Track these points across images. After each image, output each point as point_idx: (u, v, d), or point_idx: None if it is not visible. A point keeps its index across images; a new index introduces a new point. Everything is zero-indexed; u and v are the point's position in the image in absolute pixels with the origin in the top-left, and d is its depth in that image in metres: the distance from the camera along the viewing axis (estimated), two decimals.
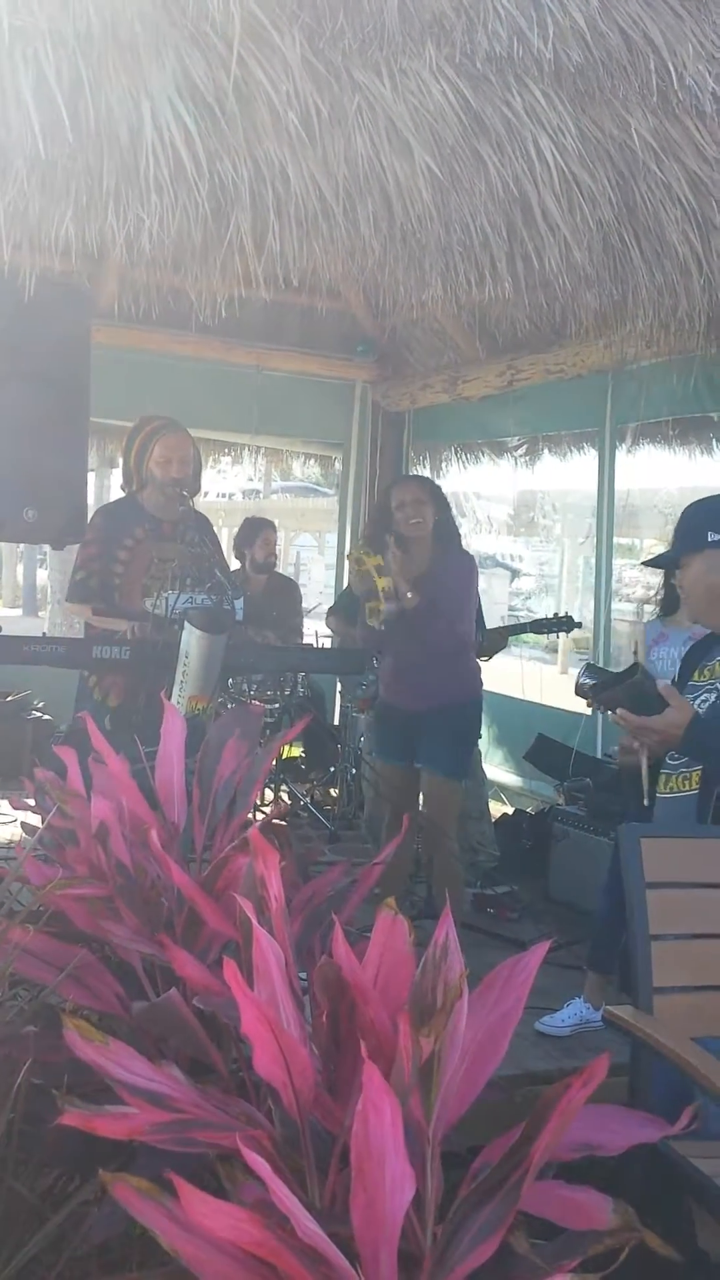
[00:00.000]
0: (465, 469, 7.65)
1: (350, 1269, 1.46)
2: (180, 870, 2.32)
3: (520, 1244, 1.49)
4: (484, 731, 6.74)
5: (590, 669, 4.27)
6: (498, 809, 6.32)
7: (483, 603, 5.51)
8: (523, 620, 6.83)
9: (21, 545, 16.45)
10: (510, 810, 6.30)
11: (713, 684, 2.87)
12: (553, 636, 6.40)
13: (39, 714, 6.73)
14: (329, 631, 6.45)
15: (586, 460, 6.66)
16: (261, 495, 19.91)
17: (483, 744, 6.01)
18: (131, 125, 2.90)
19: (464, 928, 4.42)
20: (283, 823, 5.50)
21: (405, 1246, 1.55)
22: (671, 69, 3.48)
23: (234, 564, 6.80)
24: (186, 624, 3.94)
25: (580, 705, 6.49)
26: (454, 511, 4.50)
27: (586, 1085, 1.60)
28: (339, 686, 7.15)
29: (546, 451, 7.11)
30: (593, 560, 6.99)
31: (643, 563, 3.65)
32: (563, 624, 5.45)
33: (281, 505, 19.42)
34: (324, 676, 6.85)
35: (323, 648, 6.32)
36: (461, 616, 4.14)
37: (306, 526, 19.30)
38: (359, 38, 3.14)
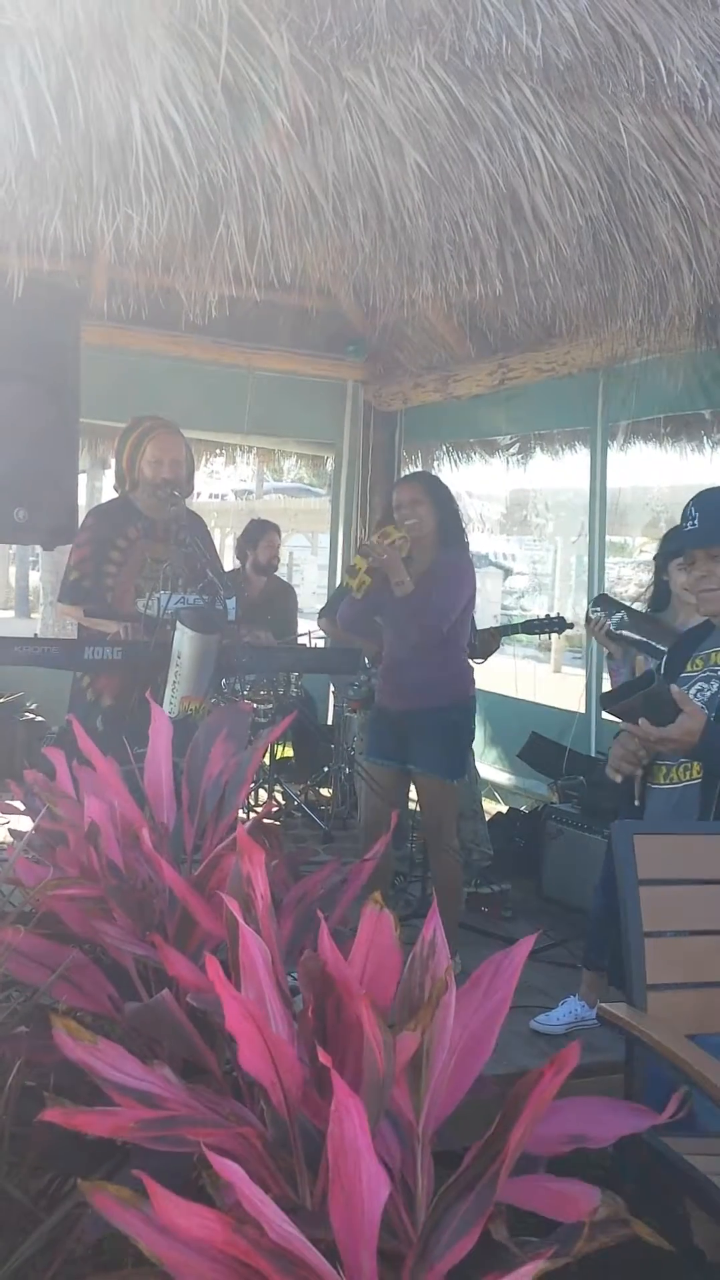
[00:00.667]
0: (457, 468, 7.66)
1: (329, 1268, 1.46)
2: (172, 870, 2.32)
3: (499, 1232, 1.49)
4: (477, 730, 6.75)
5: (603, 600, 4.28)
6: (491, 807, 6.33)
7: (477, 603, 5.52)
8: (515, 620, 6.84)
9: (13, 546, 16.44)
10: (504, 809, 6.30)
11: (709, 673, 2.86)
12: (545, 635, 6.40)
13: (32, 715, 6.73)
14: (321, 632, 6.45)
15: (578, 458, 6.67)
16: (254, 496, 19.91)
17: (476, 743, 6.01)
18: (120, 124, 2.89)
19: (458, 926, 4.44)
20: (275, 822, 5.51)
21: (394, 1244, 1.54)
22: (660, 66, 3.47)
23: (233, 564, 6.82)
24: (179, 624, 3.93)
25: (574, 704, 6.54)
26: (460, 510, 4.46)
27: (559, 1073, 1.60)
28: (332, 687, 7.15)
29: (538, 450, 7.11)
30: (585, 558, 6.99)
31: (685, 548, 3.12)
32: (554, 624, 5.45)
33: (274, 506, 19.40)
34: (316, 677, 6.85)
35: (315, 648, 6.32)
36: (447, 617, 4.12)
37: (299, 527, 19.29)
38: (347, 36, 3.14)
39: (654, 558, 4.19)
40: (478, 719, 6.68)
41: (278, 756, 6.63)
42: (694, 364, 5.17)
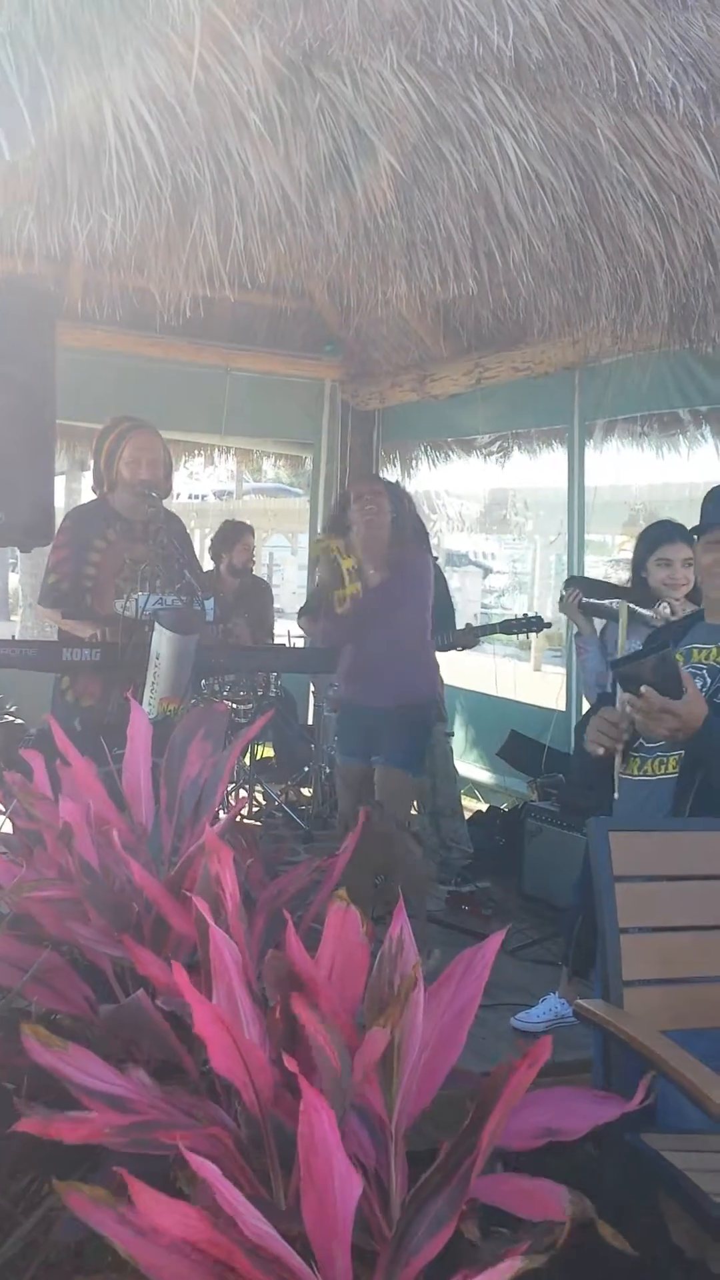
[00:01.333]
0: (435, 467, 7.67)
1: (304, 1266, 1.47)
2: (143, 871, 2.32)
3: (471, 1231, 1.50)
4: (457, 729, 6.77)
5: (573, 580, 4.32)
6: (471, 805, 6.34)
7: (456, 601, 5.54)
8: (494, 619, 6.85)
9: None
10: (483, 807, 6.32)
11: (693, 670, 2.86)
12: (525, 634, 6.43)
13: (11, 718, 6.70)
14: (300, 632, 6.45)
15: (556, 457, 6.69)
16: (233, 496, 19.89)
17: (456, 741, 6.03)
18: (93, 126, 2.88)
19: (437, 925, 4.45)
20: (253, 822, 5.50)
21: (368, 1241, 1.55)
22: (632, 66, 3.48)
23: (208, 565, 6.82)
24: (157, 625, 3.93)
25: (552, 701, 6.56)
26: (420, 512, 4.51)
27: (531, 1067, 1.61)
28: (311, 687, 7.15)
29: (516, 449, 7.12)
30: (564, 557, 7.01)
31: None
32: (532, 624, 5.47)
33: (253, 506, 19.39)
34: (296, 677, 6.85)
35: (294, 647, 6.32)
36: (416, 612, 4.16)
37: (279, 527, 19.27)
38: (320, 37, 3.13)
39: (634, 557, 4.21)
40: (457, 718, 6.70)
41: (258, 756, 6.63)
42: (668, 362, 5.20)
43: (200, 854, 2.36)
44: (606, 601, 4.04)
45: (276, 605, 7.32)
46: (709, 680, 2.79)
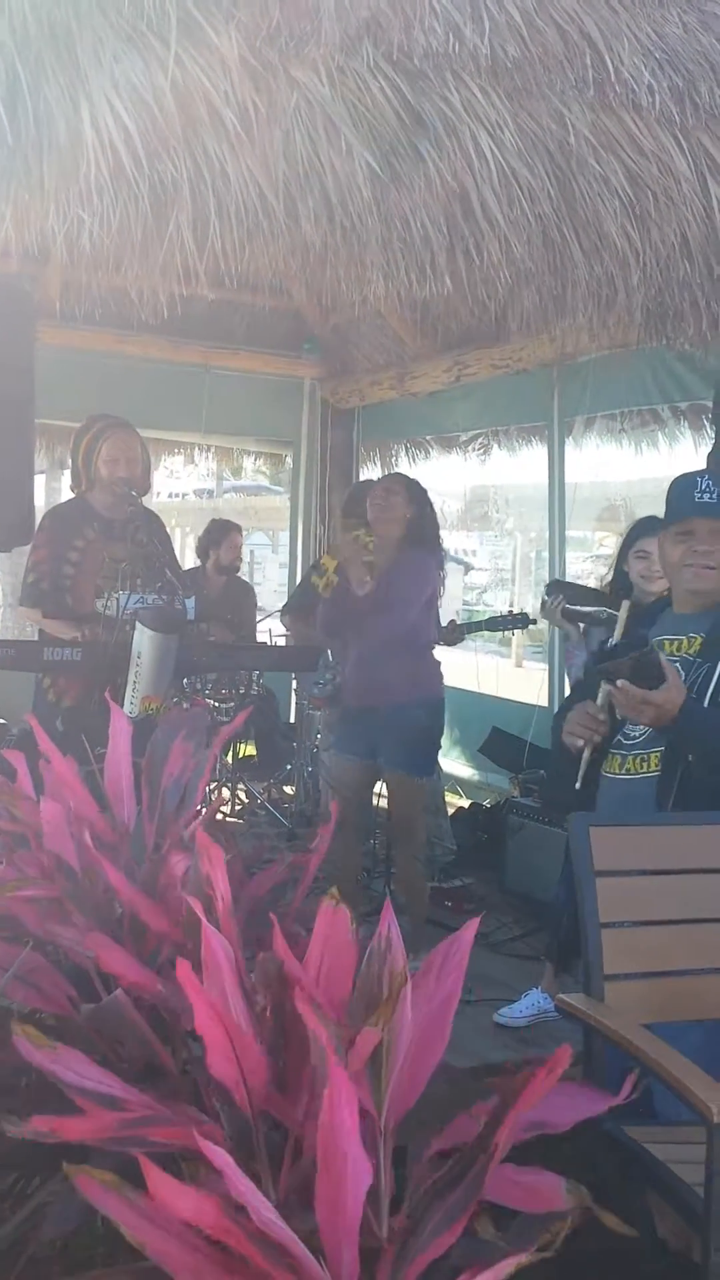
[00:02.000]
0: (415, 465, 7.68)
1: (313, 1259, 1.48)
2: (116, 872, 2.31)
3: (485, 1229, 1.51)
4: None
5: (554, 585, 4.33)
6: (454, 802, 6.36)
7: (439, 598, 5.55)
8: (476, 616, 6.87)
9: None
10: (466, 803, 6.34)
11: (671, 661, 2.87)
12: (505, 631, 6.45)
13: None
14: (283, 631, 6.46)
15: (536, 454, 6.71)
16: (213, 495, 19.85)
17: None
18: (70, 125, 2.88)
19: (425, 923, 4.46)
20: (236, 820, 5.50)
21: (361, 1239, 1.56)
22: (608, 63, 3.49)
23: (194, 563, 6.82)
24: (138, 624, 3.93)
25: (534, 697, 6.58)
26: (434, 512, 4.48)
27: (551, 1074, 1.62)
28: (294, 684, 7.16)
29: (496, 446, 7.14)
30: (545, 553, 7.04)
31: None
32: (518, 621, 5.49)
33: (233, 504, 19.34)
34: (278, 675, 6.86)
35: (275, 646, 6.33)
36: (404, 616, 4.15)
37: (259, 525, 19.23)
38: (296, 36, 3.13)
39: (617, 553, 4.23)
40: None
41: (240, 755, 6.63)
42: (646, 359, 5.22)
43: (175, 852, 2.37)
44: (588, 609, 4.06)
45: (259, 604, 7.33)
46: (683, 674, 2.80)
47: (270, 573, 16.86)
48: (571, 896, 3.29)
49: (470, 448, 7.28)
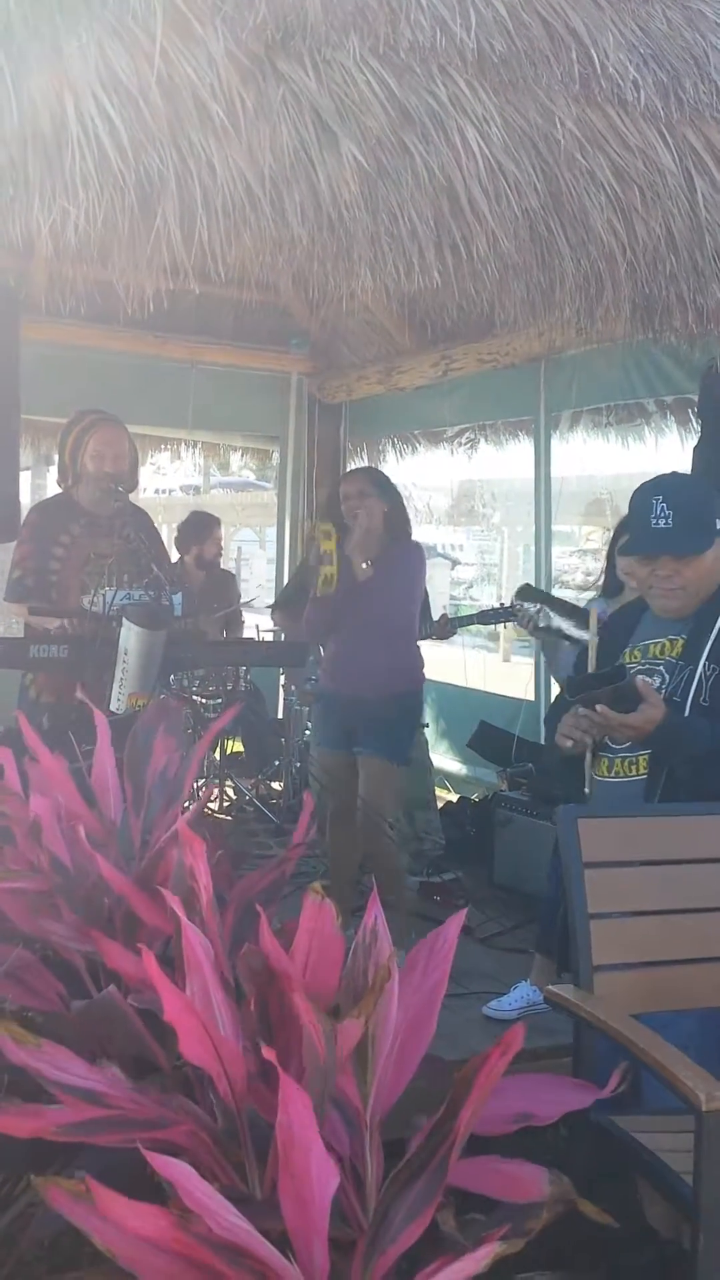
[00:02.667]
0: (403, 459, 7.69)
1: (281, 1258, 1.48)
2: (110, 866, 2.31)
3: (446, 1222, 1.51)
4: (428, 720, 6.79)
5: (525, 591, 4.33)
6: (442, 796, 6.37)
7: (429, 593, 5.56)
8: (463, 610, 6.87)
9: None
10: (454, 798, 6.34)
11: (648, 665, 2.89)
12: (495, 626, 6.46)
13: None
14: (271, 626, 6.45)
15: (523, 448, 6.72)
16: (200, 490, 19.82)
17: (428, 732, 6.05)
18: (55, 117, 2.86)
19: (409, 915, 4.46)
20: (224, 816, 5.49)
21: (346, 1231, 1.56)
22: (594, 58, 3.49)
23: (174, 557, 6.80)
24: (125, 621, 3.92)
25: (521, 692, 6.59)
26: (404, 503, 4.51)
27: (504, 1055, 1.62)
28: (281, 680, 7.15)
29: (483, 440, 7.15)
30: (532, 548, 7.05)
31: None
32: (508, 614, 5.49)
33: (221, 500, 19.33)
34: (266, 671, 6.85)
35: (264, 641, 6.32)
36: (404, 603, 4.17)
37: (246, 521, 19.22)
38: (282, 29, 3.12)
39: (608, 548, 4.23)
40: (428, 709, 6.71)
41: (228, 751, 6.63)
42: (632, 353, 5.23)
43: (169, 847, 2.36)
44: (570, 632, 4.05)
45: (246, 599, 7.32)
46: (666, 677, 2.82)
47: (258, 568, 16.85)
48: (560, 888, 3.31)
49: (457, 442, 7.28)
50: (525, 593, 4.31)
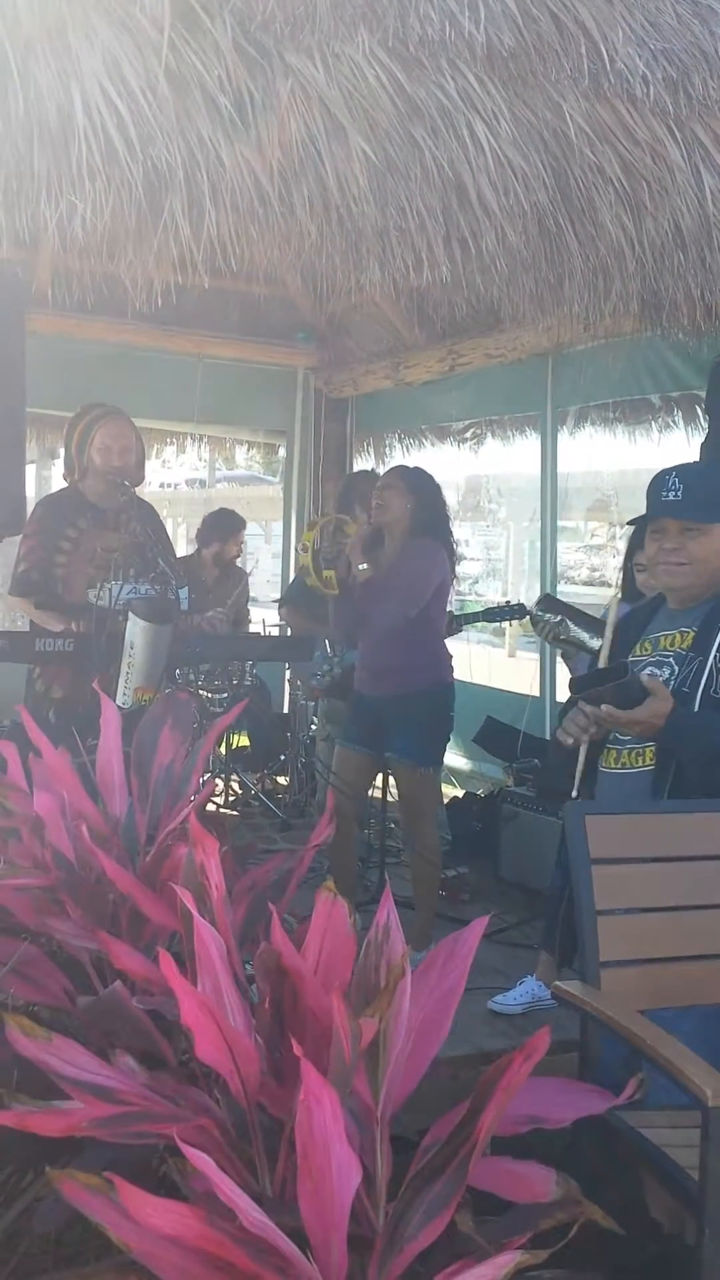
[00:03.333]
0: (409, 454, 7.66)
1: (302, 1257, 1.47)
2: (114, 864, 2.31)
3: (464, 1223, 1.51)
4: None
5: (546, 601, 4.31)
6: (448, 791, 6.36)
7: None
8: (469, 605, 6.86)
9: None
10: (460, 793, 6.34)
11: (659, 658, 2.88)
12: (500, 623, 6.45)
13: None
14: (278, 621, 6.45)
15: (529, 444, 6.70)
16: (206, 485, 19.80)
17: None
18: (62, 110, 2.85)
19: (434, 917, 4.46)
20: (231, 813, 5.49)
21: (357, 1229, 1.56)
22: (603, 53, 3.49)
23: (188, 550, 6.79)
24: (130, 615, 3.91)
25: (528, 688, 6.58)
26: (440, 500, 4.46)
27: (528, 1060, 1.62)
28: (287, 675, 7.15)
29: (490, 436, 7.14)
30: (538, 543, 7.03)
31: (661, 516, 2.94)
32: (515, 612, 5.48)
33: (226, 494, 19.30)
34: (271, 666, 6.85)
35: (269, 636, 6.32)
36: (415, 601, 4.15)
37: (252, 515, 19.15)
38: (291, 22, 3.12)
39: (624, 557, 4.21)
40: None
41: (233, 746, 6.62)
42: (639, 349, 5.22)
43: (174, 843, 2.36)
44: (577, 636, 4.03)
45: (251, 594, 7.31)
46: (676, 669, 2.81)
47: (263, 563, 16.83)
48: (567, 884, 3.31)
49: (464, 438, 7.27)
50: (546, 603, 4.28)
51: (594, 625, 4.00)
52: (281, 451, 8.11)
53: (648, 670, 2.84)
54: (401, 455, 7.65)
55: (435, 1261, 1.54)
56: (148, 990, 2.11)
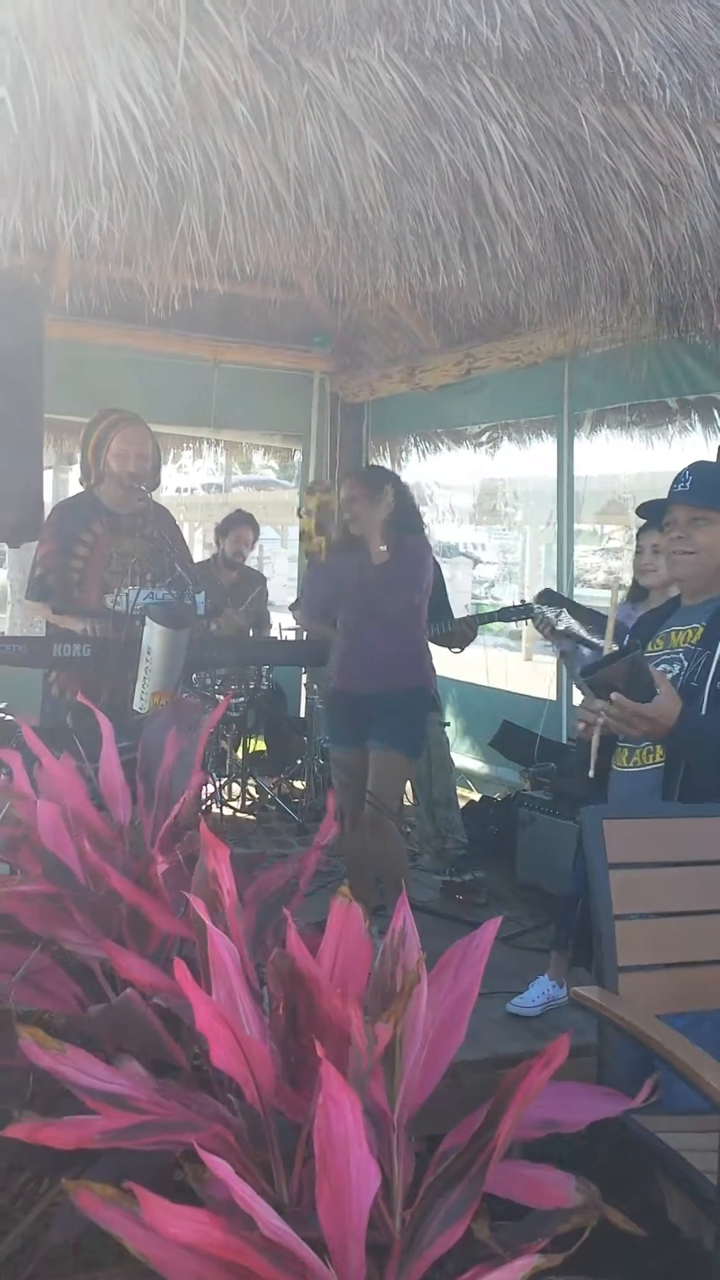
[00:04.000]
0: (425, 459, 7.67)
1: (320, 1264, 1.47)
2: (117, 874, 2.31)
3: (481, 1231, 1.50)
4: (450, 719, 6.79)
5: (546, 595, 4.31)
6: (464, 795, 6.36)
7: (448, 592, 5.54)
8: (484, 609, 6.85)
9: None
10: (477, 797, 6.33)
11: (670, 654, 2.88)
12: (517, 624, 6.44)
13: (1, 714, 6.67)
14: (293, 625, 6.45)
15: (546, 447, 6.69)
16: (222, 489, 19.83)
17: (450, 731, 6.04)
18: (78, 117, 2.86)
19: (432, 915, 4.46)
20: (246, 815, 5.47)
21: (374, 1235, 1.55)
22: (619, 56, 3.49)
23: (205, 554, 6.82)
24: (148, 620, 3.92)
25: (544, 691, 6.57)
26: (414, 498, 4.49)
27: (548, 1066, 1.61)
28: (303, 679, 7.15)
29: (506, 439, 7.13)
30: (554, 547, 7.02)
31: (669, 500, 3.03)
32: (522, 611, 5.47)
33: (242, 499, 19.32)
34: (287, 670, 6.85)
35: (285, 640, 6.32)
36: (418, 590, 4.17)
37: (268, 520, 19.17)
38: (307, 27, 3.13)
39: (635, 558, 4.21)
40: (450, 708, 6.70)
41: (250, 750, 6.64)
42: (656, 352, 5.21)
43: (172, 848, 2.36)
44: (576, 630, 4.03)
45: (270, 598, 7.34)
46: (685, 663, 2.81)
47: (279, 567, 16.85)
48: (584, 889, 3.29)
49: (480, 441, 7.26)
50: (546, 597, 4.28)
51: (594, 619, 4.00)
52: (297, 456, 8.12)
53: (660, 667, 2.83)
54: (418, 459, 7.66)
55: (452, 1267, 1.53)
56: (158, 1000, 2.11)
